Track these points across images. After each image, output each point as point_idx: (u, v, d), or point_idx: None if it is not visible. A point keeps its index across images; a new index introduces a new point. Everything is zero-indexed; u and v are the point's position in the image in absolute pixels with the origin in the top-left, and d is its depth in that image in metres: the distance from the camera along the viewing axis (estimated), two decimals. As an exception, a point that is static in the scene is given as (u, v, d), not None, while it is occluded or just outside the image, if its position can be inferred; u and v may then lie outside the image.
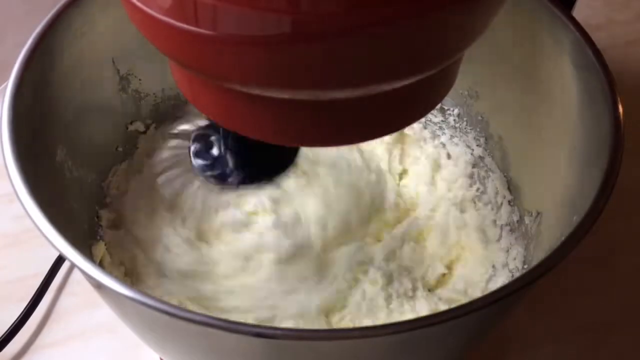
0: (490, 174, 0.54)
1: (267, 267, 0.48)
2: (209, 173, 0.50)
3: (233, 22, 0.25)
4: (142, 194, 0.51)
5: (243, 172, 0.50)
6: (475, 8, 0.28)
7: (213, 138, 0.51)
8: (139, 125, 0.54)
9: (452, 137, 0.57)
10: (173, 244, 0.49)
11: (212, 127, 0.51)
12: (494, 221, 0.52)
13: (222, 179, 0.50)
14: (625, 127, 0.38)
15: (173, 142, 0.54)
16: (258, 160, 0.50)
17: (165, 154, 0.54)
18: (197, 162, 0.50)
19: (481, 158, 0.55)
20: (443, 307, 0.47)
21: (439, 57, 0.29)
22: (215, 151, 0.51)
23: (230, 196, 0.50)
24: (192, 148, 0.51)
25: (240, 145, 0.50)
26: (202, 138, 0.51)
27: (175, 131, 0.55)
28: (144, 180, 0.52)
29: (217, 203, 0.50)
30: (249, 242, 0.49)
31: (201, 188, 0.51)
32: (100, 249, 0.47)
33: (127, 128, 0.53)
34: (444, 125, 0.57)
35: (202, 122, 0.53)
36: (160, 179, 0.52)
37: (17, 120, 0.38)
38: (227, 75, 0.28)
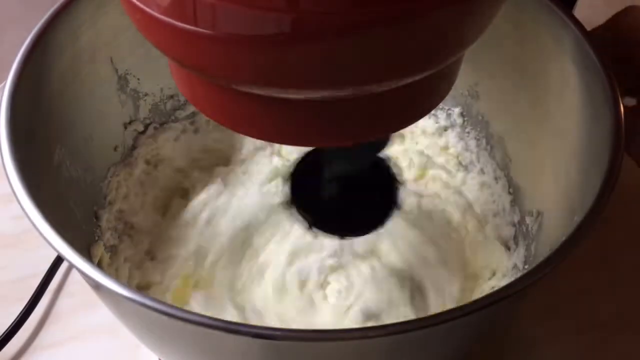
0: (491, 174, 0.54)
1: None
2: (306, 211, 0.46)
3: (232, 21, 0.25)
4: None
5: (340, 218, 0.47)
6: (475, 7, 0.27)
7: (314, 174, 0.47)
8: (138, 125, 0.54)
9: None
10: None
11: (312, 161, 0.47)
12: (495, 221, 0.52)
13: (315, 220, 0.46)
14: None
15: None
16: (356, 210, 0.47)
17: None
18: (297, 195, 0.47)
19: (481, 158, 0.55)
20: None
21: (439, 56, 0.29)
22: (315, 189, 0.47)
23: None
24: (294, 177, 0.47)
25: (341, 189, 0.46)
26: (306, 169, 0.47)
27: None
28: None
29: None
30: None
31: None
32: (98, 249, 0.47)
33: (126, 128, 0.53)
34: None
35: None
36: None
37: (15, 119, 0.38)
38: (227, 74, 0.28)
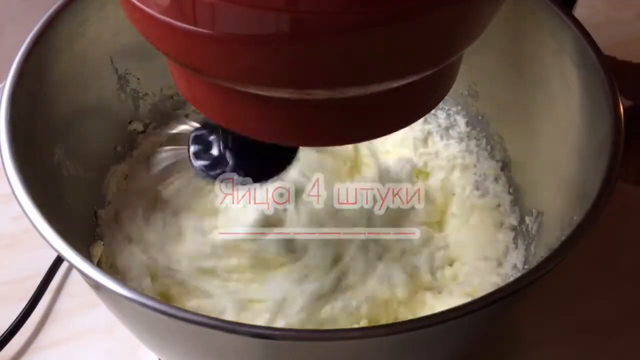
0: (491, 174, 0.54)
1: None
2: (210, 173, 0.49)
3: (231, 21, 0.25)
4: (140, 194, 0.51)
5: (244, 171, 0.49)
6: (470, 7, 0.27)
7: (212, 138, 0.50)
8: (138, 125, 0.54)
9: (451, 136, 0.57)
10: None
11: (210, 127, 0.50)
12: (495, 221, 0.52)
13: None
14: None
15: (171, 145, 0.55)
16: (259, 159, 0.49)
17: (163, 155, 0.54)
18: (198, 163, 0.49)
19: (481, 158, 0.55)
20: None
21: (438, 56, 0.29)
22: (215, 151, 0.50)
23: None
24: (192, 149, 0.50)
25: (240, 144, 0.49)
26: (201, 138, 0.51)
27: (174, 132, 0.55)
28: (142, 180, 0.52)
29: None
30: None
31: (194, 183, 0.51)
32: (98, 249, 0.47)
33: (126, 127, 0.53)
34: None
35: (197, 124, 0.52)
36: (162, 185, 0.52)
37: (14, 119, 0.38)
38: (225, 74, 0.28)
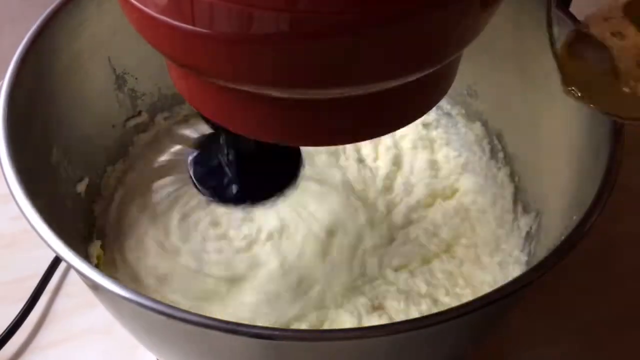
0: (490, 174, 0.54)
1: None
2: (205, 184, 0.48)
3: (230, 20, 0.25)
4: (134, 195, 0.51)
5: (239, 188, 0.47)
6: (472, 7, 0.27)
7: (214, 147, 0.48)
8: (136, 125, 0.54)
9: (450, 136, 0.57)
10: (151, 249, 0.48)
11: (214, 136, 0.48)
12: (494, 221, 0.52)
13: (216, 193, 0.48)
14: (626, 126, 0.38)
15: (174, 147, 0.54)
16: (257, 178, 0.48)
17: (164, 157, 0.53)
18: (195, 169, 0.48)
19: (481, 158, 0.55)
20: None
21: (438, 55, 0.29)
22: (214, 162, 0.48)
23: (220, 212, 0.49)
24: (191, 156, 0.49)
25: (240, 161, 0.47)
26: (203, 146, 0.50)
27: (179, 134, 0.55)
28: (138, 181, 0.52)
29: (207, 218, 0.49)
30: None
31: (194, 198, 0.50)
32: (96, 249, 0.47)
33: (124, 127, 0.53)
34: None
35: (207, 130, 0.50)
36: (155, 185, 0.51)
37: (12, 119, 0.38)
38: (224, 73, 0.28)
